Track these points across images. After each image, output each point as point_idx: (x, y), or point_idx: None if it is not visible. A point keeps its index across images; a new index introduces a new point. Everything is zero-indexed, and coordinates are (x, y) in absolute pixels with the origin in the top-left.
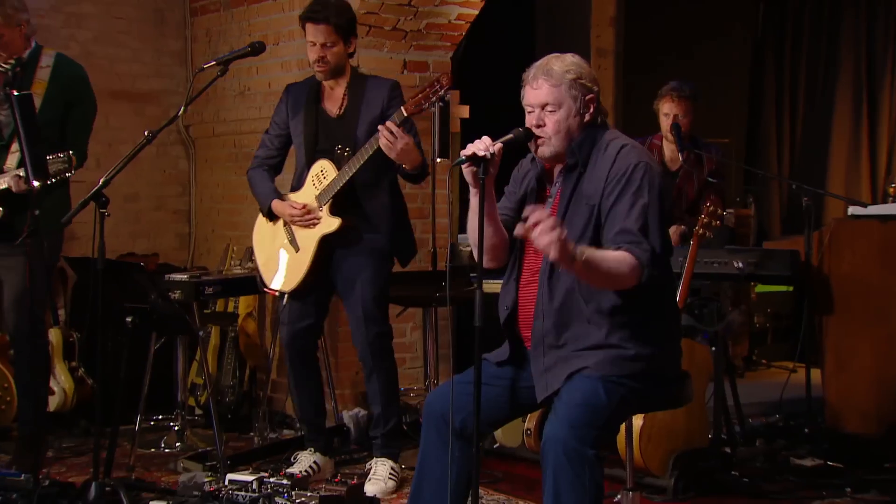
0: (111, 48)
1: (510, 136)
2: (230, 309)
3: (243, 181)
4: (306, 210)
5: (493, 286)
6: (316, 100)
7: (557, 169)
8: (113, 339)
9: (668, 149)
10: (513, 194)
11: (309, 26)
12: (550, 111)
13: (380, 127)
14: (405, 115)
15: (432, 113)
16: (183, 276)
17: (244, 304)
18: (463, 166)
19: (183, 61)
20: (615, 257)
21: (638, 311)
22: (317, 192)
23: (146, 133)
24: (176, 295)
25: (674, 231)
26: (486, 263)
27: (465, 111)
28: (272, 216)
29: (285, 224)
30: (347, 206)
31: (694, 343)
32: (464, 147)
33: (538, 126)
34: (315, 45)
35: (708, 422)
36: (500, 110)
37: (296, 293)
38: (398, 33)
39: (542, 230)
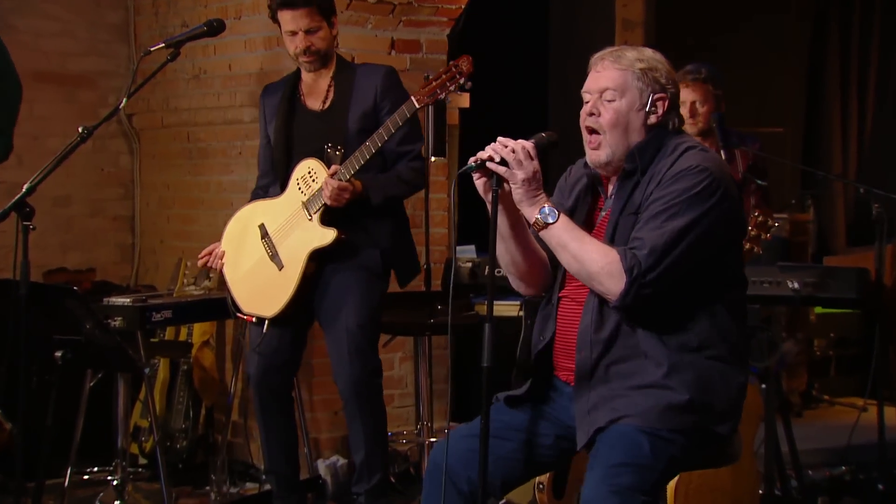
0: (35, 20)
1: (533, 140)
2: (182, 337)
3: (198, 182)
4: (206, 253)
5: (497, 308)
6: (293, 95)
7: (612, 182)
8: (38, 377)
9: None
10: (559, 206)
11: (285, 14)
12: (609, 99)
13: (325, 181)
14: (417, 106)
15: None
16: (125, 300)
17: (199, 331)
18: (473, 175)
19: (124, 37)
20: (597, 246)
21: (709, 351)
22: (304, 198)
23: (80, 129)
24: (116, 323)
25: None
26: (524, 290)
27: (464, 100)
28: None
29: (264, 235)
30: (340, 214)
31: None
32: (462, 144)
33: (590, 115)
34: (297, 33)
35: (758, 474)
36: (506, 99)
37: (277, 319)
38: (384, 7)
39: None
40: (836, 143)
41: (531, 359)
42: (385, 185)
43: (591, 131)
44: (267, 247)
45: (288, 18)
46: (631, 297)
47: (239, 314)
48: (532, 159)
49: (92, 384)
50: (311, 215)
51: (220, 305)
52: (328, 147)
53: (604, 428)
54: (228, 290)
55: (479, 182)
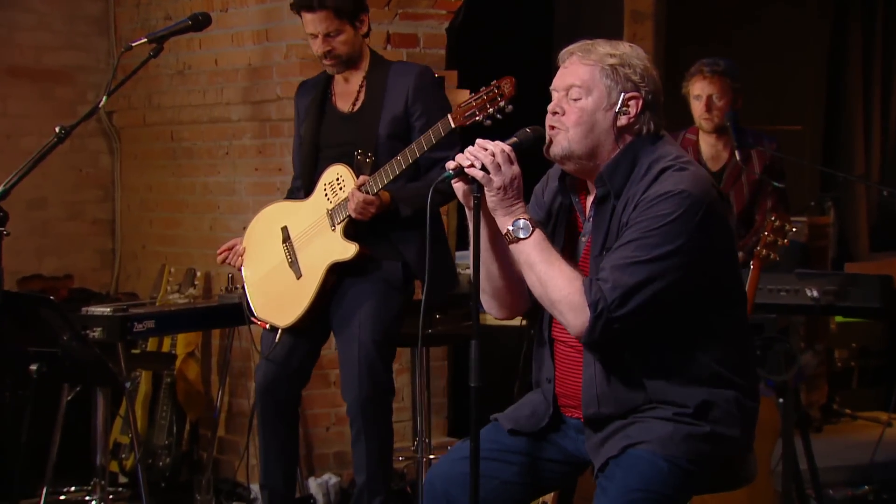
0: (9, 12)
1: (514, 139)
2: (166, 348)
3: (182, 184)
4: (227, 248)
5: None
6: (324, 96)
7: (590, 198)
8: (12, 391)
9: (707, 143)
10: (535, 218)
11: (305, 16)
12: (575, 98)
13: (352, 193)
14: (452, 125)
15: None
16: (105, 309)
17: (184, 342)
18: (452, 182)
19: (104, 29)
20: (565, 272)
21: (722, 381)
22: (330, 206)
23: (57, 129)
24: (95, 334)
25: None
26: (495, 312)
27: (462, 96)
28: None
29: (286, 239)
30: (365, 225)
31: None
32: (462, 143)
33: (554, 113)
34: (316, 37)
35: (775, 494)
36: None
37: (291, 329)
38: None
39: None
40: (858, 142)
41: (538, 385)
42: (416, 196)
43: (554, 128)
44: (287, 252)
45: (307, 21)
46: (598, 333)
47: (252, 318)
48: (511, 164)
49: (69, 399)
50: (334, 225)
51: (205, 314)
52: (358, 153)
53: (616, 455)
54: (245, 293)
55: (458, 189)
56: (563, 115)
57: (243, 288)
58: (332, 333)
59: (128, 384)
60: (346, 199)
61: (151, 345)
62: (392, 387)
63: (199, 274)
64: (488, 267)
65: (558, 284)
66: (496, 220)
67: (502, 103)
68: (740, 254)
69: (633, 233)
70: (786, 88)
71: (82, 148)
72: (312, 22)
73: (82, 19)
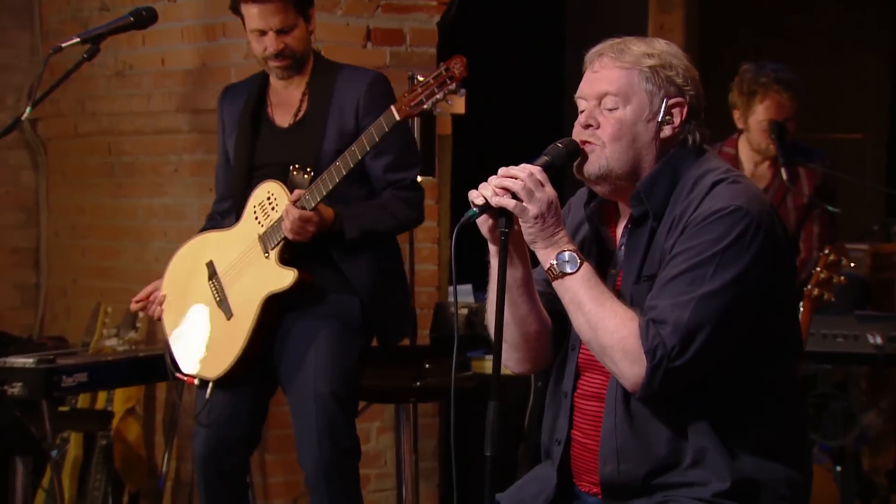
0: None
1: (544, 157)
2: (101, 405)
3: (122, 206)
4: (144, 297)
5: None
6: (258, 106)
7: (620, 227)
8: None
9: (749, 159)
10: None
11: (250, 7)
12: (611, 108)
13: (286, 209)
14: (397, 118)
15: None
16: (27, 360)
17: (122, 396)
18: (477, 220)
19: (27, 22)
20: (618, 312)
21: (770, 450)
22: (261, 230)
23: None
24: (15, 390)
25: None
26: (514, 366)
27: (459, 104)
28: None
29: (212, 276)
30: (305, 251)
31: None
32: (456, 158)
33: (587, 126)
34: (266, 33)
35: None
36: (511, 100)
37: (224, 381)
38: None
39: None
40: None
41: (547, 455)
42: (364, 214)
43: (588, 144)
44: (215, 290)
45: (254, 14)
46: (657, 385)
47: (178, 375)
48: (544, 186)
49: None
50: (268, 251)
51: (149, 365)
52: (294, 168)
53: None
54: (167, 345)
55: (483, 225)
56: (598, 128)
57: (165, 340)
58: (278, 386)
59: (54, 452)
60: (280, 220)
61: (83, 401)
62: (357, 447)
63: (141, 315)
64: (515, 312)
65: (609, 327)
66: (537, 253)
67: (452, 86)
68: None
69: (685, 261)
70: (844, 90)
71: (0, 162)
72: (263, 15)
73: (2, 11)
